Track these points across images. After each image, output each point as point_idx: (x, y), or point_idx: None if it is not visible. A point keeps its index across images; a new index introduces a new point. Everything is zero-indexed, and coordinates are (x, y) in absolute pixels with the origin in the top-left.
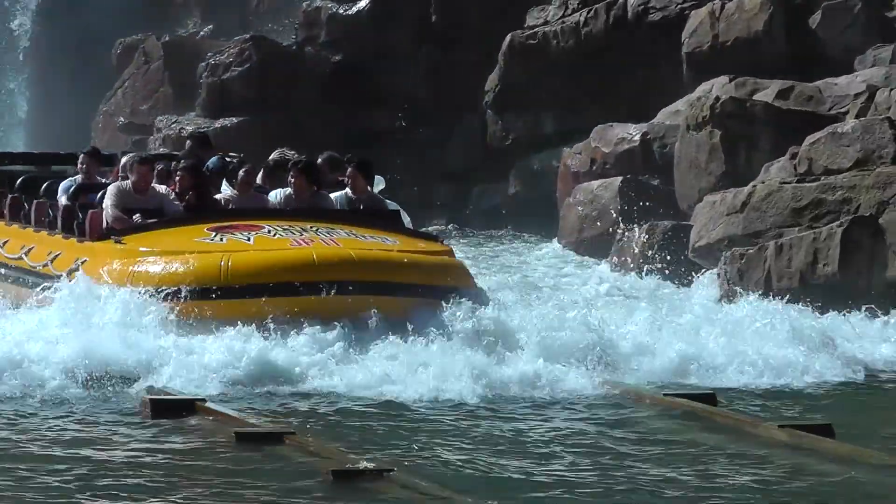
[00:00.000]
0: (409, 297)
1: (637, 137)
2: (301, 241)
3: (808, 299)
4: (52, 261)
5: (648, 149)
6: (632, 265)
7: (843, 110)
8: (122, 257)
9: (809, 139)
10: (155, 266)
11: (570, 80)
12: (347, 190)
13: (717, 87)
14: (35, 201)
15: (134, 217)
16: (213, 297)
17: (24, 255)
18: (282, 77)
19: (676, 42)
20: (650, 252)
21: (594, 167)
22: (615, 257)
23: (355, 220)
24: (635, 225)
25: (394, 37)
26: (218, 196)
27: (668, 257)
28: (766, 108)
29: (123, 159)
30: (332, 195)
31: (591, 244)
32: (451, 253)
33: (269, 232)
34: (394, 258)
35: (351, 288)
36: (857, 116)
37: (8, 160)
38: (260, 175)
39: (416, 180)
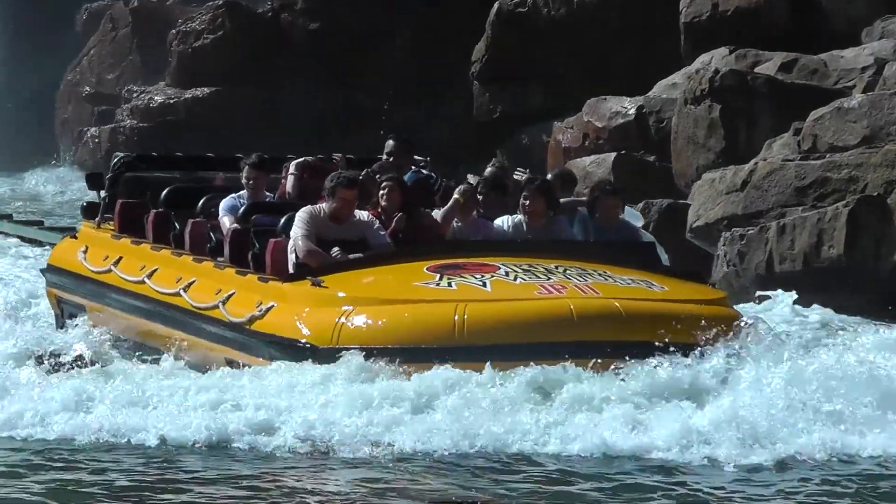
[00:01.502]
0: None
1: (632, 111)
2: (551, 288)
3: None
4: (223, 302)
5: (644, 123)
6: None
7: (849, 84)
8: (325, 306)
9: (814, 115)
10: (371, 319)
11: (562, 50)
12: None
13: (717, 59)
14: (191, 221)
15: (333, 251)
16: (442, 360)
17: (182, 291)
18: (256, 46)
19: (674, 11)
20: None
21: (586, 142)
22: None
23: (605, 255)
24: (629, 203)
25: (375, 3)
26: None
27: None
28: (769, 81)
29: (292, 166)
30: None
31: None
32: (726, 300)
33: (507, 274)
34: (670, 312)
35: (616, 350)
36: (864, 91)
37: (144, 164)
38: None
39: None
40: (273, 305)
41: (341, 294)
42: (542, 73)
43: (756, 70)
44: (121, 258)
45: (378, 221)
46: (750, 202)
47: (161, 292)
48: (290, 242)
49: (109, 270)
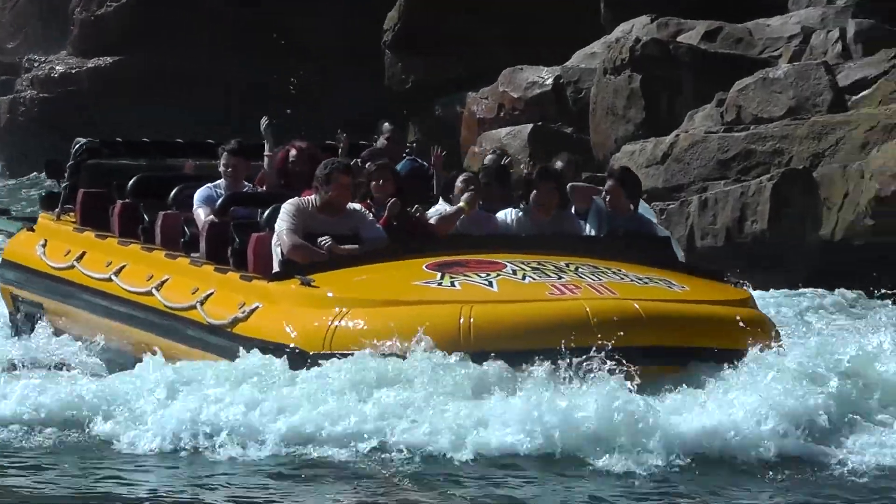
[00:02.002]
0: (717, 367)
1: (549, 81)
2: (563, 289)
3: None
4: (201, 302)
5: (561, 94)
6: None
7: (775, 54)
8: (315, 307)
9: (738, 85)
10: (365, 322)
11: (477, 19)
12: (599, 204)
13: (638, 27)
14: (162, 213)
15: (321, 240)
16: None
17: (154, 290)
18: (161, 14)
19: None
20: None
21: (502, 113)
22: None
23: (617, 252)
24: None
25: None
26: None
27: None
28: (691, 50)
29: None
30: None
31: None
32: (751, 301)
33: (515, 272)
34: (696, 314)
35: (637, 356)
36: (790, 61)
37: (107, 150)
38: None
39: (310, 130)
40: (257, 306)
41: (333, 294)
42: (456, 42)
43: (678, 39)
44: (84, 253)
45: (367, 212)
46: (671, 175)
47: (131, 291)
48: (275, 237)
49: (72, 266)
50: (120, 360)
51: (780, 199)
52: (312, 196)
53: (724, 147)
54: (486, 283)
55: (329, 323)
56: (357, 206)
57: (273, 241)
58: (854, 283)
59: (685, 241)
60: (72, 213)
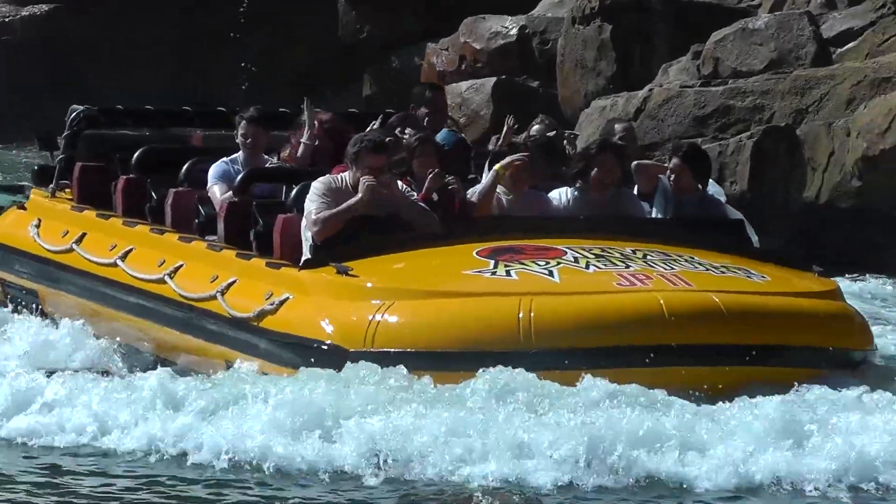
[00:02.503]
0: (802, 367)
1: (513, 32)
2: (632, 279)
3: None
4: (221, 292)
5: (527, 45)
6: None
7: (754, 3)
8: (354, 299)
9: (715, 36)
10: (412, 317)
11: None
12: (665, 185)
13: None
14: (173, 190)
15: (363, 181)
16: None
17: (167, 278)
18: None
19: None
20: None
21: (463, 66)
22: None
23: (687, 237)
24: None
25: None
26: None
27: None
28: None
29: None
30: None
31: None
32: (838, 292)
33: (577, 260)
34: (781, 308)
35: (723, 355)
36: (770, 10)
37: (108, 119)
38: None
39: (259, 85)
40: (287, 298)
41: (374, 284)
42: None
43: None
44: (84, 235)
45: (408, 188)
46: (644, 133)
47: (140, 278)
48: (304, 220)
49: (70, 250)
50: (130, 355)
51: (761, 158)
52: (346, 173)
53: (700, 102)
54: (546, 272)
55: (370, 317)
56: (398, 184)
57: (302, 225)
58: (839, 250)
59: None
60: (68, 190)
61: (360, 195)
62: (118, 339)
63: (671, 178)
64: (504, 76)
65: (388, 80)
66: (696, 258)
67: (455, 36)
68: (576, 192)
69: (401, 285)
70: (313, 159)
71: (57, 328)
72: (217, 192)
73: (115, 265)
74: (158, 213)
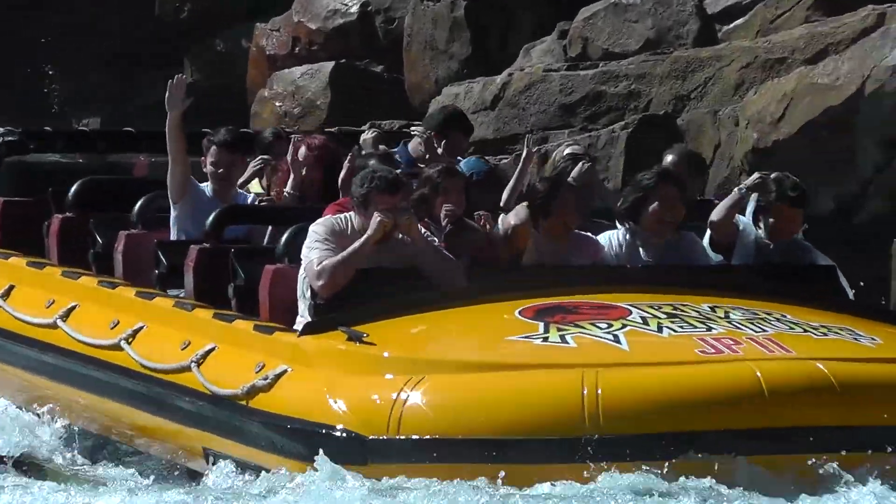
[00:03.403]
0: None
1: (354, 9)
2: (718, 345)
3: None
4: (197, 363)
5: (369, 25)
6: None
7: None
8: (372, 373)
9: (584, 13)
10: (448, 396)
11: None
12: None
13: None
14: (124, 233)
15: (376, 217)
16: (565, 459)
17: (123, 343)
18: None
19: None
20: None
21: (297, 49)
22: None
23: (770, 288)
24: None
25: None
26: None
27: None
28: None
29: (302, 149)
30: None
31: None
32: None
33: (646, 321)
34: None
35: (835, 439)
36: None
37: (34, 144)
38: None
39: (68, 69)
40: (285, 370)
41: (398, 354)
42: None
43: None
44: (12, 287)
45: (427, 232)
46: (503, 123)
47: (88, 343)
48: (302, 271)
49: None
50: (76, 440)
51: (637, 151)
52: (349, 213)
53: (567, 88)
54: (611, 337)
55: (394, 396)
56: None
57: (299, 278)
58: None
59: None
60: None
61: (370, 232)
62: (60, 418)
63: (771, 223)
64: (343, 60)
65: (213, 65)
66: (787, 316)
67: (287, 14)
68: (627, 235)
69: (431, 356)
70: (304, 188)
71: None
72: (175, 224)
73: (54, 326)
74: (105, 262)
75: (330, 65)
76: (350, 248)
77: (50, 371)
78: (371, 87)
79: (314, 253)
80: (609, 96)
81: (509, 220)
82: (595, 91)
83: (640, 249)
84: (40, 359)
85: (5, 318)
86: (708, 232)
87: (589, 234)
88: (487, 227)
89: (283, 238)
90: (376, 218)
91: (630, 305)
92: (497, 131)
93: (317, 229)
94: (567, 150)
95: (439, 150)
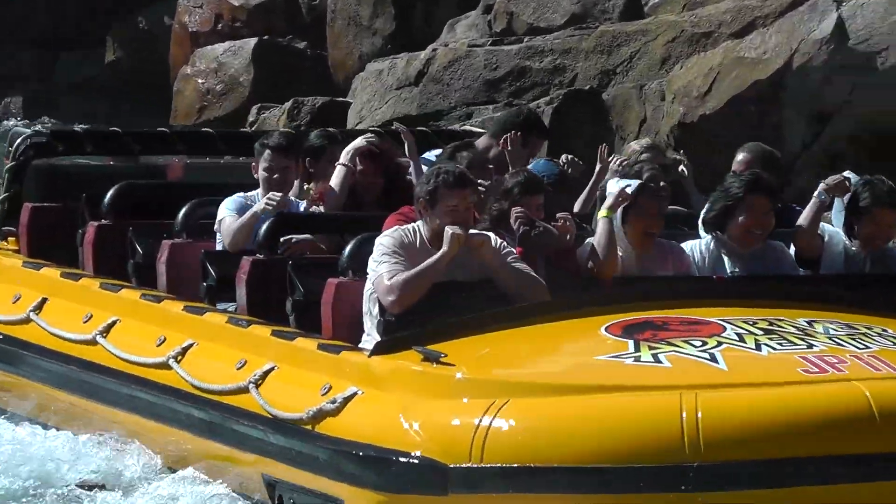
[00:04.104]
0: None
1: None
2: (821, 364)
3: None
4: (255, 383)
5: (293, 1)
6: None
7: None
8: (451, 396)
9: None
10: (536, 421)
11: None
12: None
13: None
14: (168, 243)
15: (449, 231)
16: (666, 488)
17: (172, 361)
18: None
19: None
20: None
21: (220, 26)
22: None
23: (866, 300)
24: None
25: None
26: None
27: None
28: None
29: (344, 154)
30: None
31: (217, 128)
32: None
33: (741, 338)
34: None
35: None
36: None
37: (64, 146)
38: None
39: None
40: (355, 393)
41: (479, 376)
42: None
43: None
44: (45, 300)
45: (503, 243)
46: (427, 99)
47: (133, 362)
48: (369, 285)
49: (27, 320)
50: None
51: (562, 126)
52: (416, 224)
53: (492, 64)
54: (707, 356)
55: (477, 421)
56: (493, 237)
57: (365, 293)
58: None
59: None
60: (12, 239)
61: (445, 248)
62: (102, 440)
63: (864, 230)
64: (266, 36)
65: (135, 43)
66: (889, 331)
67: None
68: (712, 245)
69: (515, 377)
70: (354, 199)
71: (15, 427)
72: (227, 223)
73: (93, 342)
74: (146, 273)
75: (253, 41)
76: (425, 263)
77: (89, 390)
78: (294, 64)
79: (383, 266)
80: (534, 71)
81: (595, 243)
82: (520, 66)
83: (725, 260)
84: (79, 377)
85: (38, 333)
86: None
87: (673, 241)
88: (570, 229)
89: (347, 249)
90: (449, 231)
91: (723, 321)
92: (421, 107)
93: (384, 241)
94: (640, 145)
95: (499, 149)
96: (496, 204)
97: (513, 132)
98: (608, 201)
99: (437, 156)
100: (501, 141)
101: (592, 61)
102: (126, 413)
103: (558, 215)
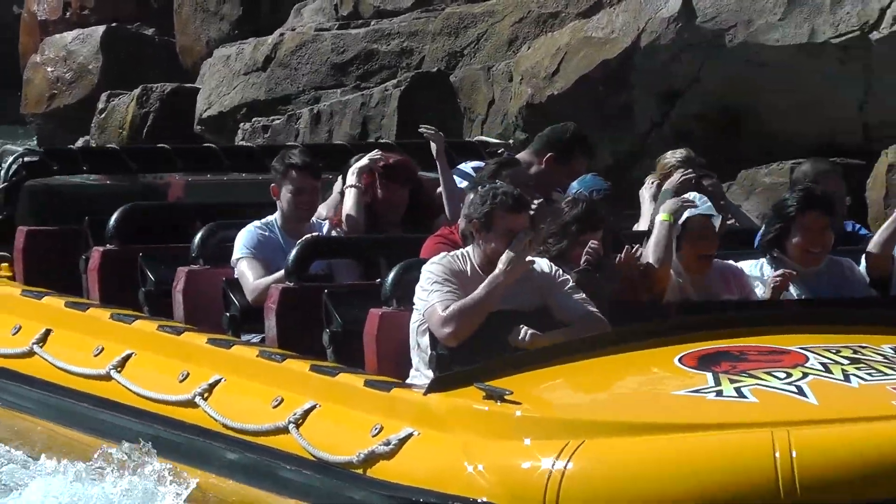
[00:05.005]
0: None
1: None
2: None
3: None
4: (295, 423)
5: None
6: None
7: None
8: (516, 437)
9: None
10: (614, 464)
11: None
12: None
13: None
14: (185, 270)
15: (521, 335)
16: None
17: (199, 399)
18: None
19: None
20: (146, 126)
21: (68, 14)
22: (98, 133)
23: None
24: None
25: None
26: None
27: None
28: None
29: (352, 174)
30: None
31: (66, 117)
32: None
33: (827, 368)
34: None
35: None
36: None
37: (59, 164)
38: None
39: None
40: (410, 434)
41: (547, 414)
42: None
43: None
44: (49, 332)
45: (560, 270)
46: (275, 84)
47: (153, 399)
48: (416, 316)
49: (31, 353)
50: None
51: (410, 109)
52: (467, 249)
53: (339, 48)
54: (794, 389)
55: (550, 465)
56: (545, 263)
57: (412, 325)
58: None
59: None
60: (5, 265)
61: (502, 272)
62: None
63: None
64: (115, 23)
65: None
66: None
67: None
68: (772, 265)
69: (589, 416)
70: (374, 220)
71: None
72: (248, 272)
73: (107, 378)
74: (159, 302)
75: (101, 29)
76: (481, 290)
77: (101, 429)
78: (143, 51)
79: (434, 296)
80: (381, 55)
81: (647, 257)
82: (367, 50)
83: (791, 281)
84: (93, 415)
85: (43, 367)
86: (863, 263)
87: (730, 261)
88: (634, 263)
89: (391, 276)
90: (508, 255)
91: (804, 350)
92: (269, 92)
93: (433, 269)
94: (676, 157)
95: (541, 167)
96: (551, 238)
97: (550, 154)
98: (669, 204)
99: (473, 168)
100: (544, 160)
101: (440, 43)
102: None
103: (636, 250)
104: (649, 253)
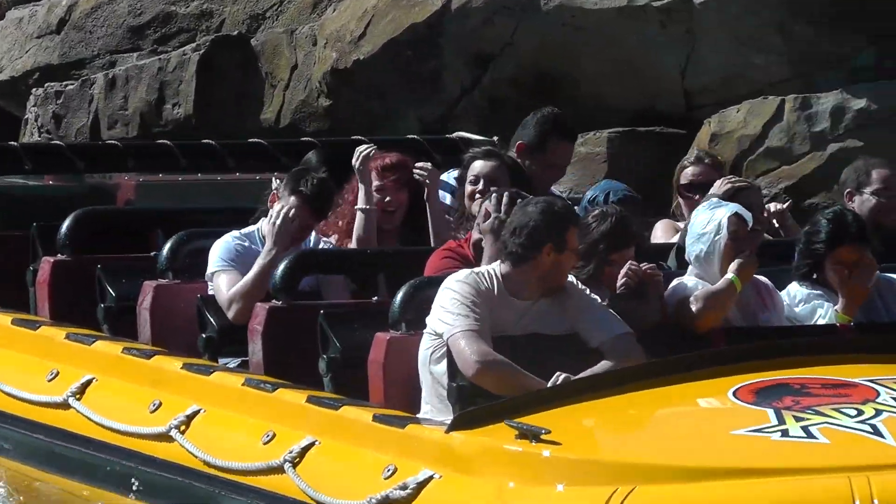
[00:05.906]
0: None
1: None
2: None
3: None
4: (291, 462)
5: None
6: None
7: None
8: (553, 481)
9: None
10: None
11: None
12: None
13: None
14: (152, 284)
15: (558, 378)
16: None
17: (174, 432)
18: None
19: None
20: None
21: None
22: None
23: None
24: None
25: None
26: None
27: None
28: None
29: (375, 176)
30: None
31: None
32: None
33: None
34: None
35: None
36: None
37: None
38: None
39: None
40: (430, 477)
41: (593, 457)
42: None
43: None
44: None
45: (587, 290)
46: (69, 48)
47: (120, 431)
48: (431, 342)
49: None
50: None
51: (209, 75)
52: (494, 265)
53: (136, 9)
54: (868, 428)
55: None
56: (573, 280)
57: (425, 350)
58: None
59: (88, 131)
60: None
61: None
62: None
63: None
64: None
65: None
66: None
67: None
68: (815, 290)
69: (640, 459)
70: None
71: None
72: (226, 287)
73: (65, 406)
74: (121, 320)
75: None
76: (521, 374)
77: (59, 464)
78: None
79: (460, 321)
80: (180, 17)
81: (711, 298)
82: (165, 12)
83: (826, 305)
84: (48, 448)
85: None
86: None
87: (765, 279)
88: (660, 286)
89: (399, 296)
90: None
91: (871, 383)
92: (63, 56)
93: (458, 288)
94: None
95: (528, 163)
96: (581, 261)
97: (519, 142)
98: (736, 265)
99: (456, 179)
100: (514, 149)
101: (241, 5)
102: (113, 494)
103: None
104: (697, 296)
